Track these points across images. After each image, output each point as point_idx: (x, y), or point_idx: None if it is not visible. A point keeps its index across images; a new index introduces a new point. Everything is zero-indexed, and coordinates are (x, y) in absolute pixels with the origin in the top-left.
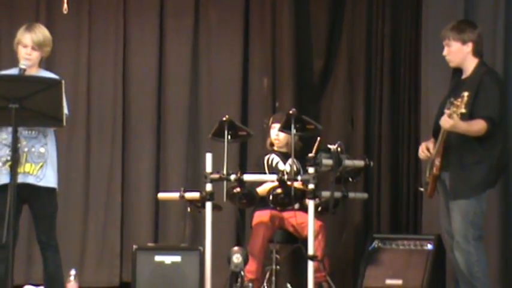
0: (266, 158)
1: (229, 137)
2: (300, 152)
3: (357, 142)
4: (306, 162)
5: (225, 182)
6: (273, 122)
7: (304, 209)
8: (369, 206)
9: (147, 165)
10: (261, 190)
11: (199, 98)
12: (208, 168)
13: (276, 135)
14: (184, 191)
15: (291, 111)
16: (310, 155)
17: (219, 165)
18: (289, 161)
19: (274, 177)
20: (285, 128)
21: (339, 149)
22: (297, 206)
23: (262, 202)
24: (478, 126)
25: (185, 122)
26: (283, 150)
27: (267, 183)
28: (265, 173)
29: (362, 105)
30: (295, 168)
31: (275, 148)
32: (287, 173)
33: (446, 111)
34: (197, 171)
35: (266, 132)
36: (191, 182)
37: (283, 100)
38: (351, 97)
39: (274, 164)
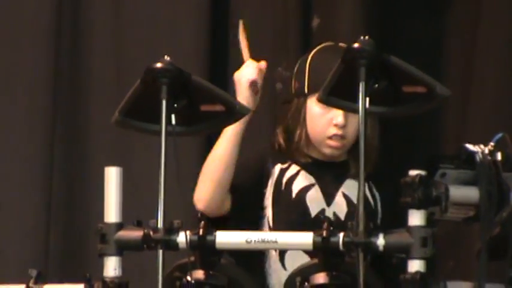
0: (278, 168)
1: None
2: (371, 166)
3: None
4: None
5: (160, 252)
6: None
7: None
8: None
9: None
10: None
11: None
12: (111, 215)
13: (342, 121)
14: (37, 281)
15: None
16: (413, 173)
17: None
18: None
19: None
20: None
21: (495, 155)
22: None
23: None
24: None
25: None
26: (322, 156)
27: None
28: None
29: None
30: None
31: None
32: (347, 225)
33: None
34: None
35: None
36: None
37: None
38: None
39: (295, 192)
